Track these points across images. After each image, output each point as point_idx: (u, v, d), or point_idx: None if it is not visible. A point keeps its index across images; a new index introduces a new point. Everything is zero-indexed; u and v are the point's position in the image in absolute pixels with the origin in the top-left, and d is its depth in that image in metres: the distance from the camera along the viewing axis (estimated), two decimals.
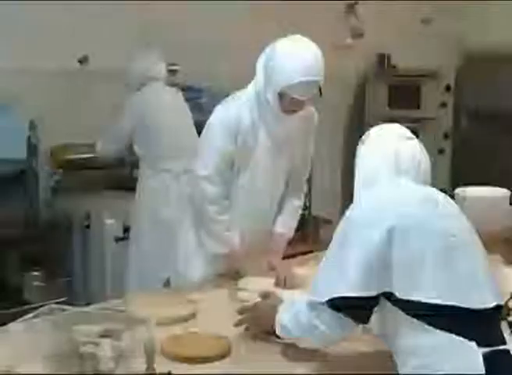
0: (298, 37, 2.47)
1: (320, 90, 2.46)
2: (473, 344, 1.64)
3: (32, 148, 3.85)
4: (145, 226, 3.98)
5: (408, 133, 1.98)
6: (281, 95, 2.45)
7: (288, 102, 2.47)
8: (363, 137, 2.02)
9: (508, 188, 2.99)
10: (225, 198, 2.62)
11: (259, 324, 2.07)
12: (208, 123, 2.64)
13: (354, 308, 1.74)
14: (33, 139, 3.87)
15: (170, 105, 4.11)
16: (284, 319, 1.92)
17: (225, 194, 2.62)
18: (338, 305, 1.74)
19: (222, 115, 2.58)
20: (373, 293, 1.71)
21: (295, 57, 2.41)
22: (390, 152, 1.89)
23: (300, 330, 1.87)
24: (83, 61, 4.30)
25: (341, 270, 1.73)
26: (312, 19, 5.25)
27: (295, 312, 1.88)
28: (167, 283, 2.83)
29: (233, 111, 2.56)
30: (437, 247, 1.71)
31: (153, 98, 4.04)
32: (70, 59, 4.27)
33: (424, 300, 1.66)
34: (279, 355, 2.01)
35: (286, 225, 2.81)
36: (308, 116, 2.69)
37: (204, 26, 4.74)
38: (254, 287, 2.48)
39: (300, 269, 2.71)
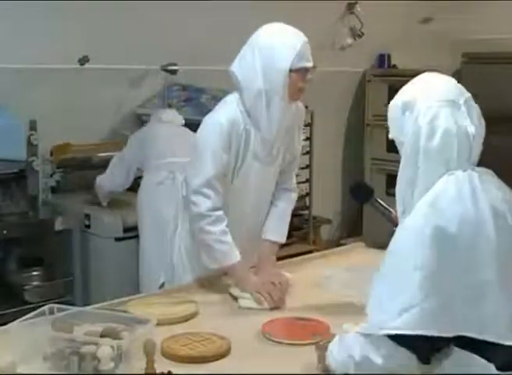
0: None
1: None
2: (490, 365, 1.54)
3: (32, 148, 3.85)
4: (145, 224, 3.98)
5: (463, 95, 1.67)
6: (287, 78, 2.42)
7: (296, 80, 2.43)
8: (402, 100, 1.69)
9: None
10: (217, 209, 2.49)
11: None
12: (200, 133, 2.54)
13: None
14: (33, 139, 3.87)
15: (170, 125, 4.15)
16: (334, 350, 1.71)
17: (216, 206, 2.49)
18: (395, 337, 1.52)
19: (215, 123, 2.49)
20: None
21: (281, 31, 2.48)
22: (462, 136, 1.60)
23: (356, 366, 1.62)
24: (83, 61, 4.30)
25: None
26: (312, 19, 5.25)
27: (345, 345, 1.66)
28: (162, 287, 2.81)
29: (227, 118, 2.48)
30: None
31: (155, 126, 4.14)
32: (70, 59, 4.26)
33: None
34: (278, 355, 2.01)
35: (277, 232, 2.72)
36: (298, 112, 2.66)
37: (204, 26, 4.73)
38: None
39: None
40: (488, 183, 1.64)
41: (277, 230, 2.72)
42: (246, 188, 2.58)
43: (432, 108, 1.63)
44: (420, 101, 1.65)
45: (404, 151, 1.66)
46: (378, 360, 1.55)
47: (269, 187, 2.68)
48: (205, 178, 2.46)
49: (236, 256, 2.49)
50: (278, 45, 2.42)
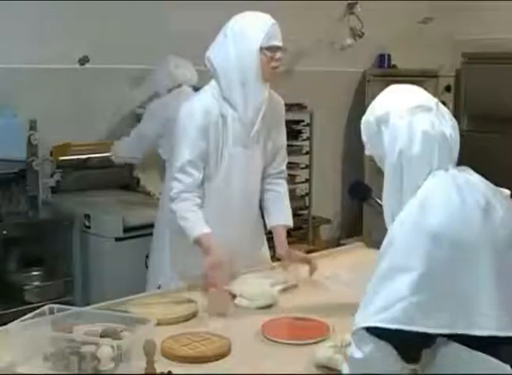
0: None
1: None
2: (506, 366, 1.51)
3: (32, 148, 3.85)
4: (160, 226, 3.94)
5: (432, 100, 1.69)
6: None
7: (268, 60, 2.54)
8: (375, 116, 1.70)
9: (508, 188, 2.99)
10: (187, 191, 2.55)
11: None
12: (177, 122, 2.61)
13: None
14: (33, 139, 3.87)
15: None
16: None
17: (188, 189, 2.55)
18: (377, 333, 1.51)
19: (188, 111, 2.58)
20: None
21: (251, 16, 2.61)
22: (440, 138, 1.62)
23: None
24: (83, 61, 4.30)
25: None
26: (312, 19, 5.26)
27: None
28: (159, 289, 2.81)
29: (200, 105, 2.58)
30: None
31: (178, 102, 4.01)
32: (70, 59, 4.26)
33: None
34: (278, 355, 2.01)
35: (284, 216, 2.78)
36: (276, 105, 2.73)
37: (204, 26, 4.73)
38: (251, 292, 2.44)
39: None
40: (471, 178, 1.67)
41: (284, 214, 2.79)
42: (231, 173, 2.63)
43: (405, 117, 1.64)
44: (393, 113, 1.66)
45: (387, 164, 1.67)
46: (358, 354, 1.54)
47: (255, 171, 2.72)
48: (180, 164, 2.56)
49: (197, 230, 2.51)
50: (248, 28, 2.57)
